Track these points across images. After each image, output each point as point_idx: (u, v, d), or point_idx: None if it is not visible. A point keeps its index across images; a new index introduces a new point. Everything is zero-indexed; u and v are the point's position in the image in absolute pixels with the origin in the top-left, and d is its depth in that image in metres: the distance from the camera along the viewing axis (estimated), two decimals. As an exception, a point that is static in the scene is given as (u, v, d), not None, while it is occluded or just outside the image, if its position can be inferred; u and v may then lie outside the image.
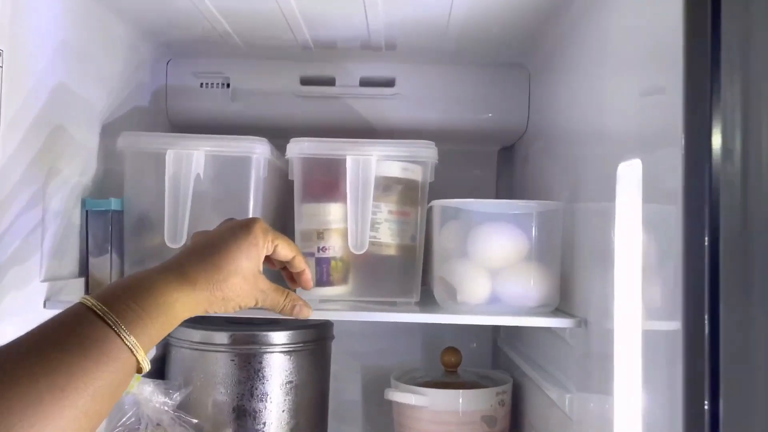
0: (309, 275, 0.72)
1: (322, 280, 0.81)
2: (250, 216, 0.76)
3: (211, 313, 0.60)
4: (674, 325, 0.50)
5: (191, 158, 0.80)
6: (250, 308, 0.64)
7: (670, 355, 0.50)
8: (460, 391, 0.98)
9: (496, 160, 1.17)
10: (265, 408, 0.94)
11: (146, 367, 0.52)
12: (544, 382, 0.84)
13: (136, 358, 0.51)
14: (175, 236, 0.80)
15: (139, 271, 0.58)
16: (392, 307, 0.81)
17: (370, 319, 0.74)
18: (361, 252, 0.79)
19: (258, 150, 0.82)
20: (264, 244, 0.64)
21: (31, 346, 0.47)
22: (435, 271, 0.79)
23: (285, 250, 0.67)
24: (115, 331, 0.50)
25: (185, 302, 0.57)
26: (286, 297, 0.68)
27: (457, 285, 0.76)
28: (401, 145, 0.82)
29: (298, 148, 0.82)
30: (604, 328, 0.64)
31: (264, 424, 0.93)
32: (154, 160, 0.81)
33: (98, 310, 0.50)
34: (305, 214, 0.82)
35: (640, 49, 0.59)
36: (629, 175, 0.59)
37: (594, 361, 0.68)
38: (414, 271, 0.83)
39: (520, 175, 1.13)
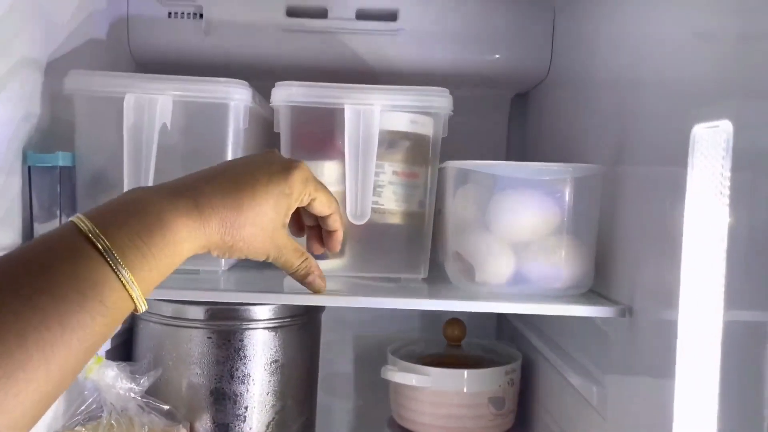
0: (340, 238, 0.61)
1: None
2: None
3: (213, 255, 0.50)
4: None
5: (155, 105, 0.66)
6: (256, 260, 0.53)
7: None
8: (465, 371, 0.88)
9: (509, 109, 1.03)
10: (247, 391, 0.82)
11: (143, 307, 0.42)
12: (567, 369, 0.74)
13: (134, 304, 0.41)
14: (138, 199, 0.66)
15: (140, 189, 0.46)
16: (395, 284, 0.70)
17: (372, 305, 0.62)
18: (362, 222, 0.67)
19: (237, 95, 0.68)
20: (298, 197, 0.54)
21: (15, 284, 0.37)
22: (449, 245, 0.67)
23: (322, 206, 0.57)
24: (116, 274, 0.40)
25: (192, 242, 0.46)
26: (303, 260, 0.57)
27: (476, 262, 0.64)
28: (409, 93, 0.68)
29: (286, 95, 0.68)
30: (660, 319, 0.53)
31: (246, 408, 0.83)
32: (110, 106, 0.66)
33: (95, 239, 0.40)
34: (294, 174, 0.69)
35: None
36: (711, 137, 0.46)
37: (642, 356, 0.57)
38: (422, 242, 0.70)
39: (536, 127, 1.00)
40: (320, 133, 0.69)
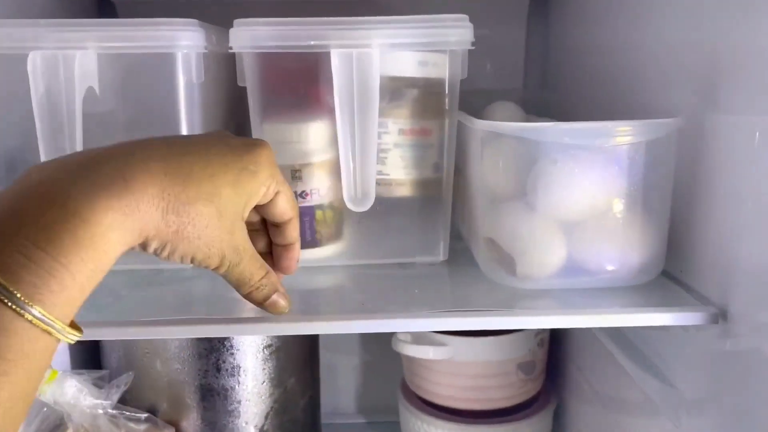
0: (298, 254, 0.45)
1: (304, 240, 0.54)
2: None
3: (148, 253, 0.35)
4: None
5: (72, 63, 0.48)
6: (204, 267, 0.38)
7: None
8: (490, 338, 0.76)
9: (527, 16, 0.85)
10: (239, 383, 0.70)
11: (71, 338, 0.31)
12: (618, 350, 0.61)
13: (59, 338, 0.30)
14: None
15: (36, 168, 0.33)
16: (409, 270, 0.56)
17: (382, 330, 0.48)
18: (365, 208, 0.51)
19: (185, 40, 0.51)
20: (265, 182, 0.39)
21: None
22: (479, 228, 0.52)
23: (287, 204, 0.42)
24: (14, 311, 0.28)
25: (122, 231, 0.32)
26: (264, 276, 0.41)
27: (516, 252, 0.49)
28: (416, 25, 0.50)
29: (249, 38, 0.50)
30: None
31: (239, 402, 0.71)
32: (15, 68, 0.49)
33: None
34: (270, 141, 0.53)
35: None
36: None
37: (746, 373, 0.44)
38: (439, 216, 0.56)
39: (561, 39, 0.82)
40: (301, 86, 0.52)
